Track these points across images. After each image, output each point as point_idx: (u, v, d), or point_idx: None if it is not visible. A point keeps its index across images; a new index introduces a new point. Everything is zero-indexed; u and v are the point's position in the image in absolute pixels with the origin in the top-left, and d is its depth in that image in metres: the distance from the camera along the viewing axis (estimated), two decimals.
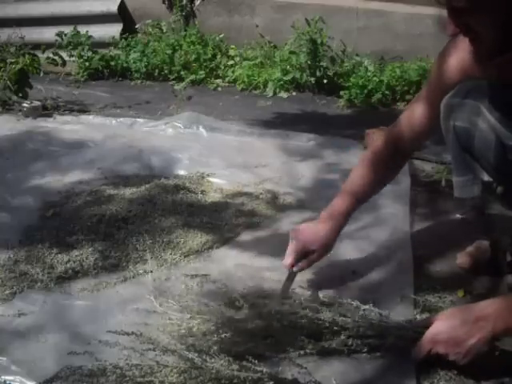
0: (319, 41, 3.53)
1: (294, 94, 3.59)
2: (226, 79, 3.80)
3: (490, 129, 1.44)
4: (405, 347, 1.39)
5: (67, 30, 3.98)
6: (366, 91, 3.36)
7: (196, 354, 1.33)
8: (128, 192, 2.19)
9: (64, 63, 3.54)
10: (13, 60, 3.18)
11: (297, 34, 3.59)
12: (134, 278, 1.73)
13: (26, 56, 3.24)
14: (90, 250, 1.84)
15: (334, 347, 1.40)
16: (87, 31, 3.97)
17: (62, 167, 2.44)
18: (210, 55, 3.87)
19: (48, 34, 4.00)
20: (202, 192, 2.22)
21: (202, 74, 3.80)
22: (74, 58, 3.93)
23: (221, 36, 3.99)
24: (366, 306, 1.48)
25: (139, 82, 3.90)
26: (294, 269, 1.62)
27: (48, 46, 3.68)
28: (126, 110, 3.28)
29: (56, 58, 3.49)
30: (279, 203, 2.16)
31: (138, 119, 3.00)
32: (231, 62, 3.84)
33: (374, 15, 3.75)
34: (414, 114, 1.64)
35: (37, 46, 3.53)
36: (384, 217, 2.06)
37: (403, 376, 1.37)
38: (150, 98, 3.51)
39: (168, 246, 1.87)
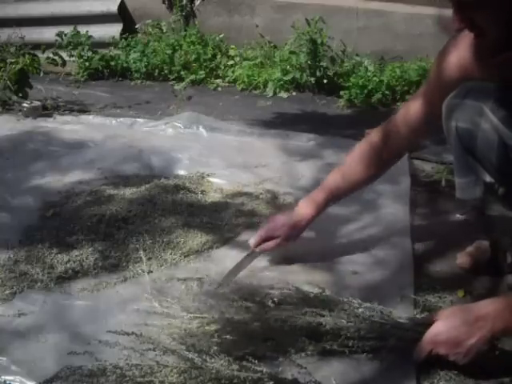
0: (319, 41, 3.53)
1: (293, 93, 3.59)
2: (226, 79, 3.80)
3: (492, 129, 1.43)
4: (405, 347, 1.39)
5: (67, 29, 3.97)
6: (366, 91, 3.36)
7: (196, 354, 1.33)
8: (128, 192, 2.19)
9: (64, 63, 3.54)
10: (13, 60, 3.18)
11: (297, 33, 3.59)
12: (134, 277, 1.73)
13: (26, 56, 3.24)
14: (90, 250, 1.84)
15: (335, 348, 1.40)
16: (87, 31, 3.97)
17: (62, 167, 2.44)
18: (209, 55, 3.87)
19: (48, 34, 3.99)
20: (202, 192, 2.22)
21: (201, 74, 3.79)
22: (73, 58, 3.92)
23: (221, 36, 3.99)
24: (367, 304, 1.48)
25: (139, 81, 3.90)
26: (257, 249, 1.75)
27: (48, 45, 3.67)
28: (126, 110, 3.28)
29: (56, 58, 3.48)
30: (279, 203, 2.16)
31: (138, 119, 2.99)
32: (231, 62, 3.84)
33: (373, 15, 3.75)
34: (410, 110, 1.64)
35: (37, 46, 3.53)
36: (384, 217, 2.06)
37: (403, 376, 1.37)
38: (150, 98, 3.51)
39: (168, 246, 1.87)
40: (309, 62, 3.52)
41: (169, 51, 3.88)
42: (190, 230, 1.95)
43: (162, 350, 1.37)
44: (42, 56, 3.45)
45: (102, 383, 1.32)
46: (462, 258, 1.77)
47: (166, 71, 3.88)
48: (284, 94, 3.56)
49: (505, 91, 1.42)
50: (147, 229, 1.95)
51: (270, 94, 3.57)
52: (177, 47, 3.92)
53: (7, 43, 3.45)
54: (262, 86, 3.65)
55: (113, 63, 3.97)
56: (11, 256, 1.82)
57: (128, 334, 1.39)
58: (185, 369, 1.31)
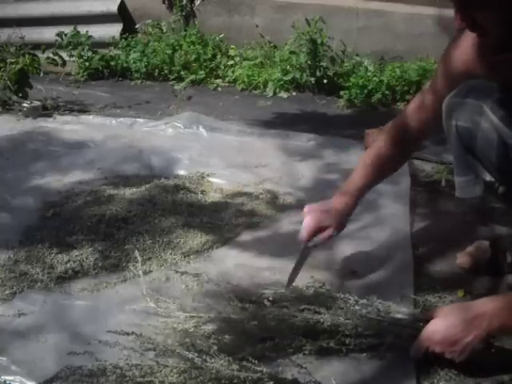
0: (319, 41, 3.53)
1: (294, 93, 3.59)
2: (226, 79, 3.80)
3: (492, 128, 1.44)
4: (405, 347, 1.39)
5: (67, 29, 3.97)
6: (366, 91, 3.36)
7: (196, 354, 1.33)
8: (128, 192, 2.19)
9: (64, 63, 3.54)
10: (13, 60, 3.18)
11: (297, 33, 3.59)
12: (133, 278, 1.73)
13: (26, 56, 3.24)
14: (90, 250, 1.84)
15: (332, 346, 1.40)
16: (87, 31, 3.97)
17: (62, 167, 2.44)
18: (210, 55, 3.87)
19: (48, 34, 3.99)
20: (202, 192, 2.22)
21: (202, 74, 3.79)
22: (74, 58, 3.93)
23: (221, 36, 3.99)
24: (365, 300, 1.48)
25: (139, 81, 3.90)
26: (310, 244, 1.62)
27: (48, 45, 3.67)
28: (126, 110, 3.28)
29: (56, 57, 3.48)
30: (279, 203, 2.16)
31: (138, 119, 3.00)
32: (231, 62, 3.84)
33: (373, 15, 3.75)
34: (423, 103, 1.62)
35: (37, 46, 3.53)
36: (384, 217, 2.06)
37: (403, 376, 1.37)
38: (150, 98, 3.51)
39: (168, 246, 1.87)
40: (309, 62, 3.52)
41: (169, 51, 3.88)
42: (190, 230, 1.95)
43: (162, 350, 1.38)
44: (42, 56, 3.45)
45: (102, 383, 1.32)
46: (462, 258, 1.77)
47: (166, 71, 3.88)
48: (284, 94, 3.56)
49: (505, 91, 1.42)
50: (147, 229, 1.95)
51: (270, 94, 3.57)
52: (177, 47, 3.92)
53: (7, 43, 3.45)
54: (262, 86, 3.65)
55: (113, 63, 3.97)
56: (11, 256, 1.82)
57: (128, 333, 1.39)
58: (185, 369, 1.32)
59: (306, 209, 1.64)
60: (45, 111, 3.08)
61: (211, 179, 2.33)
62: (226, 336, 1.40)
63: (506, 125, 1.41)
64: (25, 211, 2.09)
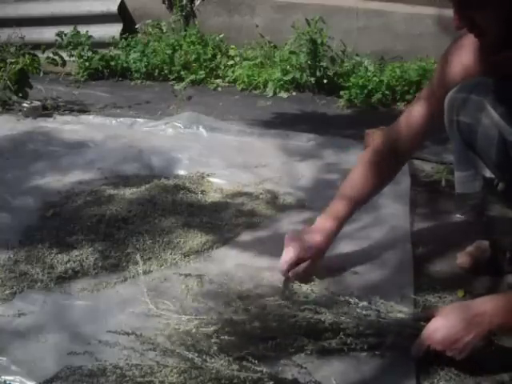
0: (319, 41, 3.53)
1: (294, 93, 3.59)
2: (226, 79, 3.80)
3: (493, 125, 1.44)
4: (405, 347, 1.39)
5: (67, 29, 3.97)
6: (366, 91, 3.36)
7: (196, 354, 1.33)
8: (128, 192, 2.19)
9: (64, 63, 3.54)
10: (13, 60, 3.18)
11: (297, 33, 3.59)
12: (133, 278, 1.72)
13: (26, 56, 3.25)
14: (90, 250, 1.84)
15: (334, 346, 1.40)
16: (87, 31, 3.97)
17: (62, 167, 2.44)
18: (210, 55, 3.87)
19: (48, 34, 4.00)
20: (202, 192, 2.22)
21: (202, 74, 3.80)
22: (74, 58, 3.93)
23: (221, 36, 3.99)
24: (364, 303, 1.48)
25: (139, 81, 3.90)
26: (290, 274, 1.66)
27: (48, 45, 3.67)
28: (126, 110, 3.28)
29: (56, 57, 3.48)
30: (279, 203, 2.16)
31: (138, 119, 3.00)
32: (231, 62, 3.84)
33: (373, 15, 3.75)
34: (412, 113, 1.64)
35: (37, 46, 3.53)
36: (384, 217, 2.06)
37: (403, 376, 1.37)
38: (150, 98, 3.51)
39: (168, 246, 1.87)
40: (309, 62, 3.52)
41: (169, 51, 3.88)
42: (190, 230, 1.95)
43: (162, 350, 1.37)
44: (42, 56, 3.45)
45: (101, 383, 1.32)
46: (462, 258, 1.77)
47: (166, 71, 3.88)
48: (284, 94, 3.57)
49: (506, 87, 1.42)
50: (147, 229, 1.95)
51: (270, 94, 3.57)
52: (177, 47, 3.93)
53: (7, 43, 3.45)
54: (262, 86, 3.65)
55: (113, 63, 3.97)
56: (11, 256, 1.82)
57: (128, 334, 1.39)
58: (185, 369, 1.31)
59: (286, 240, 1.69)
60: (45, 111, 3.08)
61: (211, 179, 2.33)
62: (228, 337, 1.40)
63: (507, 122, 1.42)
64: (25, 211, 2.09)
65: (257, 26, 3.92)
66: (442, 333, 1.33)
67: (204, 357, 1.32)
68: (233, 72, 3.79)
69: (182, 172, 2.40)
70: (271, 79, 3.60)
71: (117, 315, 1.56)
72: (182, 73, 3.82)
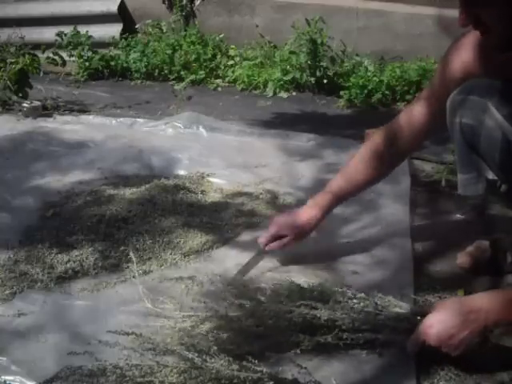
0: (319, 41, 3.53)
1: (294, 93, 3.59)
2: (226, 79, 3.80)
3: (496, 126, 1.44)
4: (402, 342, 1.39)
5: (67, 29, 3.98)
6: (366, 91, 3.36)
7: (196, 354, 1.33)
8: (128, 192, 2.19)
9: (64, 63, 3.54)
10: (13, 60, 3.18)
11: (297, 33, 3.59)
12: (133, 278, 1.72)
13: (26, 56, 3.24)
14: (90, 250, 1.84)
15: (329, 342, 1.40)
16: (87, 31, 3.97)
17: (62, 167, 2.44)
18: (210, 55, 3.87)
19: (48, 34, 4.00)
20: (202, 192, 2.22)
21: (202, 74, 3.80)
22: (74, 58, 3.93)
23: (221, 36, 3.99)
24: (362, 294, 1.48)
25: (139, 81, 3.90)
26: (266, 248, 1.76)
27: (48, 45, 3.67)
28: (126, 110, 3.28)
29: (56, 57, 3.48)
30: (279, 203, 2.16)
31: (138, 119, 2.99)
32: (231, 62, 3.84)
33: (373, 15, 3.75)
34: (414, 113, 1.64)
35: (37, 46, 3.53)
36: (384, 217, 2.06)
37: (403, 376, 1.37)
38: (150, 98, 3.51)
39: (168, 246, 1.87)
40: (309, 62, 3.52)
41: (169, 51, 3.88)
42: (190, 230, 1.95)
43: (162, 350, 1.38)
44: (42, 56, 3.45)
45: (101, 383, 1.32)
46: (462, 258, 1.77)
47: (166, 71, 3.88)
48: (284, 94, 3.57)
49: (510, 89, 1.42)
50: (147, 229, 1.95)
51: (270, 94, 3.57)
52: (177, 47, 3.92)
53: (7, 43, 3.44)
54: (262, 86, 3.65)
55: (113, 63, 3.97)
56: (11, 256, 1.82)
57: (128, 333, 1.39)
58: (185, 369, 1.31)
59: (272, 218, 1.79)
60: (45, 111, 3.08)
61: (211, 179, 2.33)
62: (224, 334, 1.40)
63: (511, 123, 1.41)
64: (25, 211, 2.09)
65: (257, 26, 3.92)
66: (438, 328, 1.33)
67: (204, 357, 1.32)
68: (233, 72, 3.79)
69: (181, 172, 2.40)
70: (271, 79, 3.60)
71: (117, 315, 1.56)
72: (182, 73, 3.82)
